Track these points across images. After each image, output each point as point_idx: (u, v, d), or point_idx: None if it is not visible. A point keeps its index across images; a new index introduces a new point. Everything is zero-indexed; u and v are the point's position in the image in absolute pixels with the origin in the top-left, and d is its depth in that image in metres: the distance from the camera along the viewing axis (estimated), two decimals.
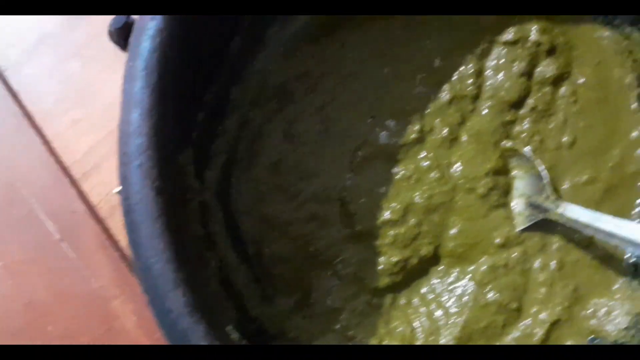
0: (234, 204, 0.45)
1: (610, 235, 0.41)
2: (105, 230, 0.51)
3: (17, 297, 0.50)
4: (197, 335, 0.29)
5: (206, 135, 0.42)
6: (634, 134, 0.48)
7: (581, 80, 0.48)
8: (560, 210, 0.44)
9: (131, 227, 0.29)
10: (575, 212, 0.43)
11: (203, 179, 0.43)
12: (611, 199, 0.47)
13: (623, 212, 0.47)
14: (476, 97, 0.48)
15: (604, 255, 0.46)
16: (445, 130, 0.48)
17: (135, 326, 0.49)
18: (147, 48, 0.30)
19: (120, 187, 0.31)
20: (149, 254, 0.29)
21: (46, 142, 0.53)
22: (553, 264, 0.46)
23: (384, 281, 0.45)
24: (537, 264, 0.46)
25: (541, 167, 0.46)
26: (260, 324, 0.42)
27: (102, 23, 0.53)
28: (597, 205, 0.47)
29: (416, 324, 0.45)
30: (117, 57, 0.53)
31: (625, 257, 0.46)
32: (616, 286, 0.46)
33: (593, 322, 0.44)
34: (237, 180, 0.46)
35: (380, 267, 0.45)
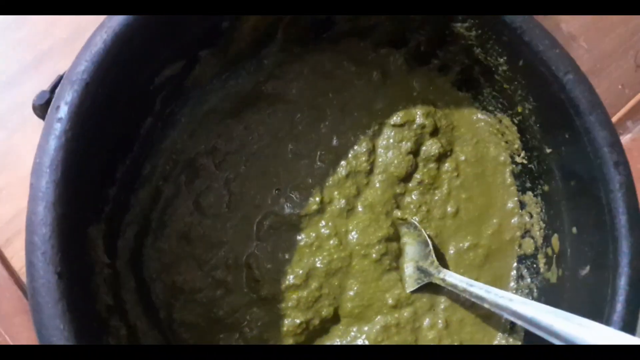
0: (145, 271, 0.48)
1: (481, 299, 0.46)
2: (26, 295, 0.53)
3: None
4: None
5: (118, 208, 0.45)
6: (510, 204, 0.54)
7: (462, 157, 0.55)
8: (441, 275, 0.50)
9: (35, 308, 0.33)
10: (453, 278, 0.49)
11: (115, 249, 0.46)
12: (492, 263, 0.53)
13: (502, 274, 0.53)
14: (370, 172, 0.53)
15: (485, 314, 0.51)
16: (343, 202, 0.52)
17: None
18: (53, 147, 0.34)
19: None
20: (50, 333, 0.32)
21: None
22: (440, 322, 0.51)
23: (288, 342, 0.49)
24: (426, 322, 0.51)
25: (426, 235, 0.51)
26: None
27: (26, 95, 0.57)
28: (479, 268, 0.53)
29: None
30: (38, 129, 0.56)
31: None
32: (495, 342, 0.51)
33: None
34: (148, 249, 0.49)
35: (284, 329, 0.49)
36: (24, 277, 0.54)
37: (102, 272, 0.41)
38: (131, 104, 0.43)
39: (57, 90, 0.36)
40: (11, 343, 0.52)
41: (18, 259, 0.54)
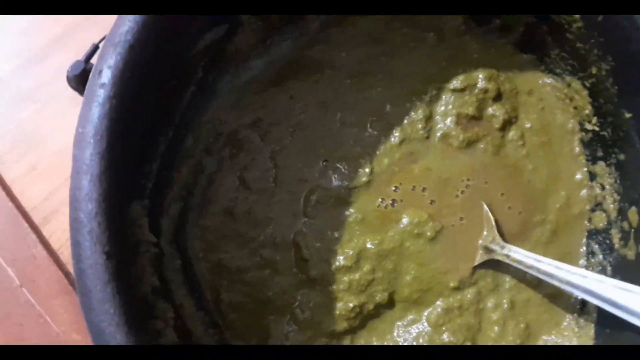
0: (190, 250, 0.46)
1: (550, 275, 0.43)
2: (66, 276, 0.51)
3: None
4: None
5: (161, 184, 0.43)
6: (578, 176, 0.50)
7: (527, 125, 0.51)
8: (505, 251, 0.46)
9: (83, 291, 0.30)
10: (519, 254, 0.45)
11: (159, 227, 0.43)
12: (559, 239, 0.49)
13: (571, 251, 0.49)
14: (427, 139, 0.50)
15: (553, 293, 0.48)
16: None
17: None
18: (97, 115, 0.31)
19: None
20: (100, 318, 0.30)
21: (4, 187, 0.53)
22: (505, 303, 0.48)
23: (342, 325, 0.46)
24: (490, 304, 0.48)
25: (487, 210, 0.48)
26: None
27: (55, 68, 0.55)
28: (545, 245, 0.49)
29: None
30: (70, 103, 0.54)
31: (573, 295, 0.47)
32: (564, 324, 0.47)
33: None
34: (192, 227, 0.47)
35: (337, 312, 0.46)
36: (63, 257, 0.52)
37: (147, 252, 0.38)
38: (173, 70, 0.40)
39: (98, 53, 0.33)
40: (52, 324, 0.50)
41: (56, 238, 0.53)
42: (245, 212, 0.48)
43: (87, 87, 0.32)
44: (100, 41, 0.48)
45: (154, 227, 0.40)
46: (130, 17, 0.33)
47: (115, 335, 0.30)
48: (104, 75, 0.32)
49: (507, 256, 0.46)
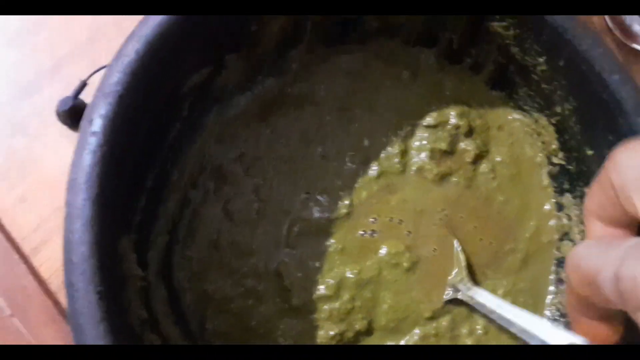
0: (175, 281, 0.48)
1: (509, 323, 0.45)
2: (56, 304, 0.52)
3: None
4: None
5: (147, 219, 0.45)
6: (547, 207, 0.52)
7: (498, 158, 0.53)
8: (470, 293, 0.48)
9: (77, 329, 0.32)
10: (483, 297, 0.47)
11: (146, 260, 0.45)
12: (529, 267, 0.52)
13: (540, 278, 0.52)
14: (402, 173, 0.52)
15: None
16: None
17: None
18: (88, 162, 0.33)
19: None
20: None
21: None
22: (479, 329, 0.50)
23: None
24: (464, 330, 0.50)
25: (459, 248, 0.50)
26: None
27: (46, 101, 0.56)
28: (516, 272, 0.51)
29: None
30: (60, 135, 0.56)
31: None
32: None
33: None
34: (178, 259, 0.48)
35: (318, 340, 0.48)
36: (52, 286, 0.53)
37: (135, 285, 0.40)
38: (161, 111, 0.42)
39: (90, 103, 0.35)
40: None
41: (46, 268, 0.54)
42: (229, 244, 0.49)
43: (79, 135, 0.34)
44: (88, 77, 0.51)
45: (141, 260, 0.42)
46: (120, 68, 0.35)
47: None
48: (95, 124, 0.34)
49: (472, 298, 0.48)
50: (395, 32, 0.53)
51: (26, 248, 0.54)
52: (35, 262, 0.54)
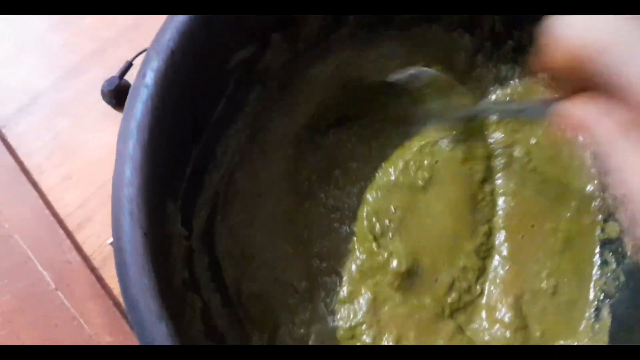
0: (217, 248, 0.48)
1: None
2: (99, 280, 0.54)
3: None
4: None
5: (193, 188, 0.46)
6: (589, 188, 0.52)
7: (533, 141, 0.53)
8: None
9: (121, 265, 0.33)
10: None
11: (190, 226, 0.46)
12: (572, 248, 0.51)
13: (583, 260, 0.51)
14: None
15: (569, 300, 0.50)
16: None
17: None
18: (140, 111, 0.34)
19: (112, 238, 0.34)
20: (135, 290, 0.32)
21: (42, 196, 0.56)
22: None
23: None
24: None
25: None
26: None
27: (90, 83, 0.58)
28: (560, 254, 0.51)
29: None
30: (103, 116, 0.58)
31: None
32: (580, 329, 0.49)
33: None
34: (220, 227, 0.49)
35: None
36: (95, 262, 0.55)
37: (180, 245, 0.41)
38: (209, 80, 0.44)
39: (143, 59, 0.36)
40: (86, 327, 0.52)
41: (89, 244, 0.56)
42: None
43: (131, 87, 0.36)
44: (134, 58, 0.53)
45: (185, 226, 0.43)
46: (173, 25, 0.37)
47: (150, 307, 0.32)
48: (148, 77, 0.36)
49: None
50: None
51: (71, 224, 0.56)
52: (79, 238, 0.56)
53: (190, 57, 0.39)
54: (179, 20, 0.38)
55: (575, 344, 0.48)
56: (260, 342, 0.46)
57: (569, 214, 0.51)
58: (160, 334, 0.32)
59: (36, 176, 0.57)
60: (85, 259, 0.55)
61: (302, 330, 0.47)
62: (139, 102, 0.35)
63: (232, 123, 0.50)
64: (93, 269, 0.55)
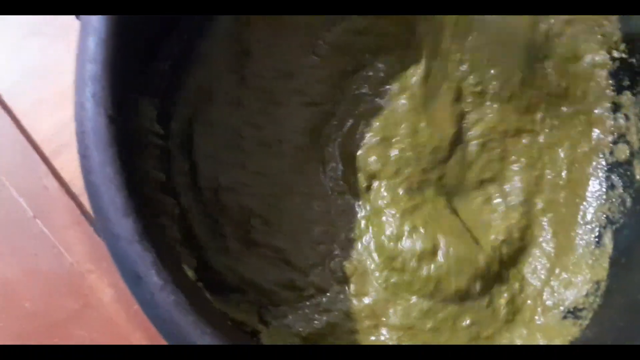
0: (196, 151, 0.44)
1: None
2: (79, 206, 0.51)
3: None
4: (146, 262, 0.28)
5: (172, 86, 0.42)
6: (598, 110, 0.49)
7: None
8: None
9: (83, 153, 0.29)
10: None
11: (168, 128, 0.42)
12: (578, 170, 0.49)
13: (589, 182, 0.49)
14: None
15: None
16: None
17: (112, 300, 0.49)
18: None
19: None
20: (99, 179, 0.29)
21: (15, 120, 0.53)
22: None
23: None
24: None
25: None
26: (220, 276, 0.41)
27: None
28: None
29: None
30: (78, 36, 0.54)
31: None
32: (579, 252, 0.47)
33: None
34: (199, 132, 0.45)
35: None
36: (75, 189, 0.52)
37: (155, 144, 0.37)
38: None
39: None
40: (66, 255, 0.50)
41: (68, 171, 0.52)
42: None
43: None
44: None
45: (162, 125, 0.39)
46: None
47: (115, 199, 0.29)
48: None
49: None
50: None
51: (46, 149, 0.53)
52: (57, 164, 0.53)
53: None
54: None
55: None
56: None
57: (580, 129, 0.49)
58: (126, 230, 0.28)
59: (9, 100, 0.54)
60: (64, 184, 0.52)
61: None
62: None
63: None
64: (73, 196, 0.52)
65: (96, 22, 0.30)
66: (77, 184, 0.52)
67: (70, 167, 0.52)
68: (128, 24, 0.31)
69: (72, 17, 0.47)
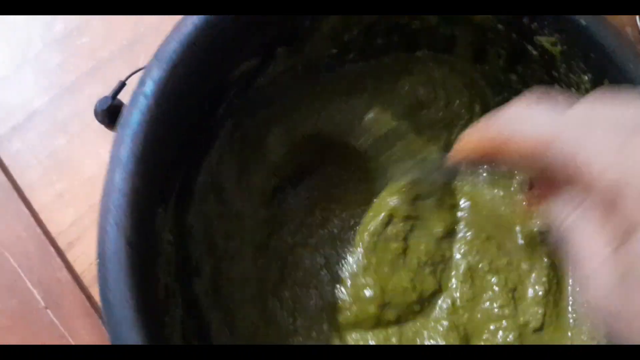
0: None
1: None
2: (89, 298, 0.53)
3: None
4: None
5: (182, 196, 0.45)
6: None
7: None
8: None
9: (103, 273, 0.32)
10: None
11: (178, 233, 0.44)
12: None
13: None
14: None
15: None
16: None
17: None
18: (137, 119, 0.34)
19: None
20: (116, 297, 0.31)
21: (33, 214, 0.56)
22: None
23: None
24: None
25: None
26: None
27: (86, 102, 0.57)
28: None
29: None
30: (99, 134, 0.57)
31: None
32: None
33: None
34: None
35: None
36: (86, 281, 0.54)
37: (167, 253, 0.40)
38: (208, 93, 0.43)
39: (145, 67, 0.36)
40: (74, 344, 0.52)
41: (80, 263, 0.55)
42: None
43: (131, 96, 0.36)
44: (127, 78, 0.52)
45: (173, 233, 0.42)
46: (177, 37, 0.37)
47: (127, 318, 0.31)
48: (147, 86, 0.35)
49: None
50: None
51: (62, 243, 0.55)
52: (70, 256, 0.55)
53: (193, 70, 0.38)
54: (186, 29, 0.37)
55: None
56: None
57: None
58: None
59: (29, 194, 0.56)
60: (76, 277, 0.54)
61: None
62: (136, 110, 0.35)
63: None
64: (83, 288, 0.54)
65: (124, 158, 0.33)
66: (88, 276, 0.54)
67: (82, 259, 0.55)
68: (151, 157, 0.35)
69: (92, 118, 0.51)
